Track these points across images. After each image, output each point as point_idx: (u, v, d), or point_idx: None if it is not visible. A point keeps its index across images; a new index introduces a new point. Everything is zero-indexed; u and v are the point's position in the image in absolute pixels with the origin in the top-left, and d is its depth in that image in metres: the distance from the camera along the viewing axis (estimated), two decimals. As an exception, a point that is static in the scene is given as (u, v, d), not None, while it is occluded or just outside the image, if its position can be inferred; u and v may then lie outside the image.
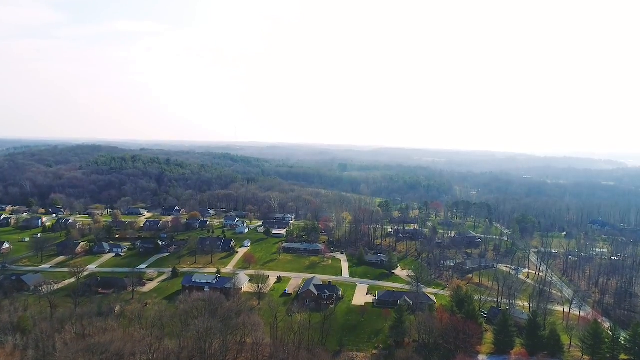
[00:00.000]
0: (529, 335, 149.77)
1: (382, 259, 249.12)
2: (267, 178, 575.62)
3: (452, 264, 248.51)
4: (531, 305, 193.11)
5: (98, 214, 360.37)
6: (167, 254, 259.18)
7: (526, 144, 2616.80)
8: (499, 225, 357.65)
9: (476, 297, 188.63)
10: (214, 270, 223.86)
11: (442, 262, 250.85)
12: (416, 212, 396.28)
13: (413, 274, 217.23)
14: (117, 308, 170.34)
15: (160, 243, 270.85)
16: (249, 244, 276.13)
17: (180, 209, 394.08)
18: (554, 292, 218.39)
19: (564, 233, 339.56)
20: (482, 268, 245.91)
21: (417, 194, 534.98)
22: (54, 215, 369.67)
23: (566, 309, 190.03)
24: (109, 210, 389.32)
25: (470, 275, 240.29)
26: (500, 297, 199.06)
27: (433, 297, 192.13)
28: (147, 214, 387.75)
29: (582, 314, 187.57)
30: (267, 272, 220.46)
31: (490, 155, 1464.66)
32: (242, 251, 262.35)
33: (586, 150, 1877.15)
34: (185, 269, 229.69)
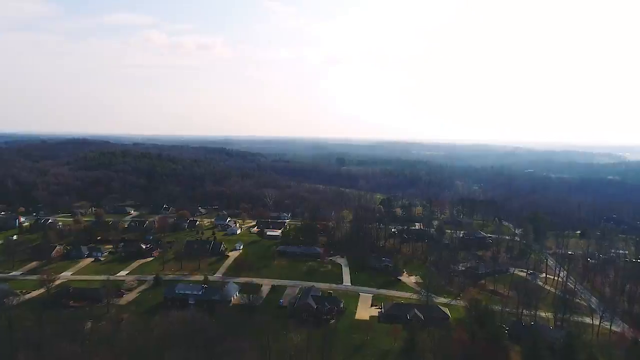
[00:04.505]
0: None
1: (387, 263, 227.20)
2: (262, 173, 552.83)
3: (462, 268, 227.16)
4: (556, 317, 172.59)
5: (81, 213, 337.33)
6: (151, 258, 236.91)
7: (521, 135, 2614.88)
8: (508, 224, 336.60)
9: (496, 307, 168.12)
10: (201, 278, 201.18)
11: (452, 266, 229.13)
12: (419, 210, 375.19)
13: (422, 281, 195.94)
14: (87, 326, 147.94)
15: (144, 246, 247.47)
16: (241, 247, 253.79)
17: (169, 207, 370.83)
18: (577, 300, 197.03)
19: (579, 232, 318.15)
20: (495, 272, 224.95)
21: (418, 189, 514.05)
22: (34, 214, 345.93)
23: (594, 322, 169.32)
24: (93, 208, 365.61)
25: (483, 281, 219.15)
26: (520, 308, 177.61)
27: (446, 310, 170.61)
28: (134, 213, 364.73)
29: (614, 328, 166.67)
30: (259, 280, 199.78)
31: (488, 149, 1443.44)
32: (233, 255, 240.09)
33: (582, 142, 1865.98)
34: (170, 277, 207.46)
